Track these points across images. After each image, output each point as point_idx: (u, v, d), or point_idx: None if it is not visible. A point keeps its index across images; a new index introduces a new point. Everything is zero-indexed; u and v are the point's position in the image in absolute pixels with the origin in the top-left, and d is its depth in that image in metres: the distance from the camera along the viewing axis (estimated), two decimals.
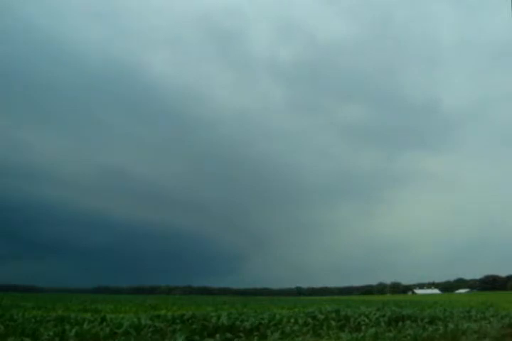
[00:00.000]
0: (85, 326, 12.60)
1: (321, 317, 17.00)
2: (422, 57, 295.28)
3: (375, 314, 17.88)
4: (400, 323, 15.25)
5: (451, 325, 13.56)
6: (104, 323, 14.03)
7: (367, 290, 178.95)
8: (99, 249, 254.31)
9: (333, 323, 15.09)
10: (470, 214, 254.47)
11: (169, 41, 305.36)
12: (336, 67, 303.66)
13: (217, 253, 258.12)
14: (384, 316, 17.18)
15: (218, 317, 15.54)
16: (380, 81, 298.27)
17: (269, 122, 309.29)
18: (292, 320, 15.66)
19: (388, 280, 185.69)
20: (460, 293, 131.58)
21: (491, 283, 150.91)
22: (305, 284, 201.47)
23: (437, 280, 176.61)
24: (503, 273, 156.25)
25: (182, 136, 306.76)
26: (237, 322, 14.48)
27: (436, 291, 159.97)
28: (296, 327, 13.97)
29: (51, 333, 11.33)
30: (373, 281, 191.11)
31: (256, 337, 12.27)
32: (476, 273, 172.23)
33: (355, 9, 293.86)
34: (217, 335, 11.91)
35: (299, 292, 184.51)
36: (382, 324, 15.20)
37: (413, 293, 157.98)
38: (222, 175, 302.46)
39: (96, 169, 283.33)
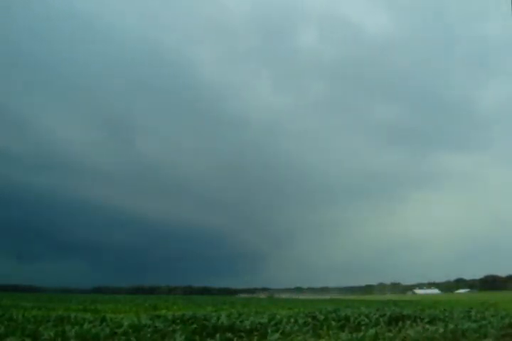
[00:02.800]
0: (85, 326, 12.59)
1: (320, 317, 17.01)
2: (466, 57, 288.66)
3: (375, 314, 17.89)
4: (400, 323, 15.25)
5: (451, 325, 13.56)
6: (104, 323, 14.04)
7: (367, 290, 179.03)
8: (103, 248, 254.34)
9: (333, 323, 15.09)
10: (482, 215, 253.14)
11: (212, 35, 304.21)
12: (378, 64, 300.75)
13: (217, 253, 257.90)
14: (384, 316, 17.19)
15: (218, 317, 15.55)
16: (420, 80, 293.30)
17: (300, 121, 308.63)
18: (292, 320, 15.67)
19: (388, 280, 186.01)
20: (460, 293, 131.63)
21: (491, 283, 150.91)
22: (305, 284, 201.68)
23: (437, 280, 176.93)
24: (503, 273, 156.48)
25: (214, 135, 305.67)
26: (237, 322, 14.49)
27: (436, 291, 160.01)
28: (296, 327, 13.97)
29: (51, 333, 11.33)
30: (373, 281, 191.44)
31: (256, 337, 12.27)
32: (476, 273, 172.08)
33: (404, 6, 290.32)
34: (218, 335, 11.92)
35: (298, 292, 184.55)
36: (382, 324, 15.20)
37: (413, 293, 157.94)
38: (242, 174, 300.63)
39: (127, 166, 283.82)
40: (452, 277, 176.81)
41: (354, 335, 12.34)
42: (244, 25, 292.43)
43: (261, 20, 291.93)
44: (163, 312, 24.01)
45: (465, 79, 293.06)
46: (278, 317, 16.77)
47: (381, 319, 16.37)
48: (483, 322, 15.06)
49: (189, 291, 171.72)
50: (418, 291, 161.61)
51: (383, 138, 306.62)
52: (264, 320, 15.06)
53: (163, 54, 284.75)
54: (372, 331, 12.67)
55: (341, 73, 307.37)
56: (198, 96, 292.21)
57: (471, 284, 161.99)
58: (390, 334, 12.50)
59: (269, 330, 13.23)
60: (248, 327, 13.82)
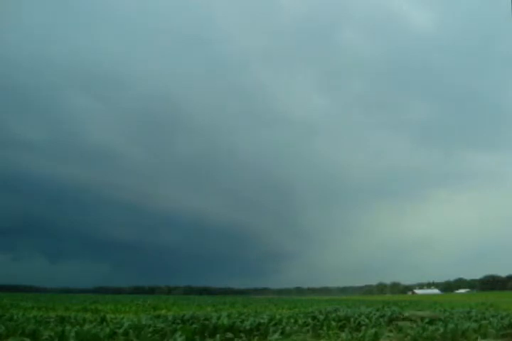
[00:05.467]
0: (85, 326, 12.59)
1: (321, 317, 17.01)
2: (504, 55, 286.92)
3: (375, 314, 17.89)
4: (400, 323, 15.25)
5: (451, 325, 13.56)
6: (105, 323, 14.04)
7: (367, 290, 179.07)
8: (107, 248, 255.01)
9: (333, 323, 15.09)
10: (489, 215, 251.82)
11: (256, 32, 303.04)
12: (419, 63, 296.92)
13: (218, 253, 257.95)
14: (384, 316, 17.19)
15: (218, 317, 15.53)
16: (458, 79, 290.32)
17: (336, 120, 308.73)
18: (292, 320, 15.67)
19: (388, 280, 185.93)
20: (460, 293, 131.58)
21: (491, 283, 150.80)
22: (305, 284, 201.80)
23: (437, 280, 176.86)
24: (503, 273, 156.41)
25: (249, 134, 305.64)
26: (237, 322, 14.48)
27: (436, 291, 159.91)
28: (296, 327, 13.97)
29: (51, 333, 11.33)
30: (373, 281, 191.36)
31: (256, 337, 12.28)
32: (476, 273, 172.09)
33: (448, 5, 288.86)
34: (218, 335, 11.92)
35: (298, 292, 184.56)
36: (382, 324, 15.20)
37: (413, 293, 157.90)
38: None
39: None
40: (452, 277, 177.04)
41: (354, 335, 12.35)
42: (290, 23, 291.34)
43: (306, 18, 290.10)
44: (163, 312, 24.02)
45: (502, 78, 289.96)
46: (278, 317, 16.76)
47: (381, 319, 16.37)
48: (483, 322, 15.05)
49: (189, 291, 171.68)
50: (418, 291, 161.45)
51: (416, 138, 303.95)
52: (264, 320, 15.05)
53: (206, 52, 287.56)
54: (372, 331, 12.68)
55: (381, 71, 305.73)
56: (238, 95, 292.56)
57: (471, 284, 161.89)
58: (390, 334, 12.51)
59: (269, 330, 13.24)
60: (248, 327, 13.82)
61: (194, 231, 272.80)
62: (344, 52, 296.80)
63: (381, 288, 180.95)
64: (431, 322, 15.79)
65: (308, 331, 13.80)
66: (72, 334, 11.21)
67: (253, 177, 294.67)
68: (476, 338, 12.24)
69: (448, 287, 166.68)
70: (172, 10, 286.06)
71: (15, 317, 16.06)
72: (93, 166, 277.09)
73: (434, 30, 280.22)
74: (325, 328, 14.31)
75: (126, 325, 12.91)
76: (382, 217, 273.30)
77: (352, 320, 16.03)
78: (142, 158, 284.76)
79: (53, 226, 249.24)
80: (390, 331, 13.46)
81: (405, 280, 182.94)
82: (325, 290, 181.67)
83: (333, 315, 17.77)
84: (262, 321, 14.81)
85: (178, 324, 14.16)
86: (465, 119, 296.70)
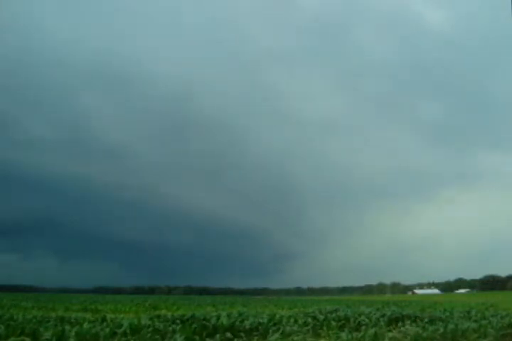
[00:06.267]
0: (85, 326, 12.58)
1: (320, 317, 17.02)
2: None
3: (375, 314, 17.89)
4: (400, 323, 15.26)
5: (451, 325, 13.56)
6: (104, 323, 14.04)
7: (367, 290, 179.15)
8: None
9: (333, 323, 15.10)
10: (490, 215, 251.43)
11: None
12: (432, 61, 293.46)
13: (217, 253, 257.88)
14: (384, 316, 17.19)
15: (218, 318, 15.54)
16: (471, 78, 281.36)
17: (340, 120, 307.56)
18: (292, 320, 15.68)
19: (388, 280, 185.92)
20: (460, 293, 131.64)
21: (491, 283, 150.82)
22: (305, 284, 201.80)
23: (437, 280, 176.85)
24: (503, 273, 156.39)
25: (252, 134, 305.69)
26: (237, 322, 14.49)
27: (436, 291, 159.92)
28: (296, 327, 13.97)
29: (51, 333, 11.33)
30: (373, 281, 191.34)
31: (256, 337, 12.29)
32: (476, 273, 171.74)
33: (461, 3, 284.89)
34: (217, 335, 11.92)
35: (298, 292, 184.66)
36: (382, 324, 15.20)
37: (413, 293, 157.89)
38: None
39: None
40: (452, 277, 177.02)
41: (354, 335, 12.35)
42: (303, 23, 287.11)
43: (320, 18, 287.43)
44: (163, 312, 24.02)
45: None
46: (278, 317, 16.77)
47: (381, 319, 16.37)
48: (483, 322, 15.06)
49: (189, 291, 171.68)
50: (418, 291, 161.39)
51: (419, 137, 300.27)
52: (264, 320, 15.06)
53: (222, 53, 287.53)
54: (372, 331, 12.67)
55: (392, 71, 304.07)
56: (249, 95, 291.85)
57: (471, 284, 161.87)
58: (390, 334, 12.51)
59: (269, 330, 13.24)
60: (248, 327, 13.83)
61: (195, 231, 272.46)
62: (356, 52, 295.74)
63: (381, 288, 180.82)
64: (431, 322, 15.80)
65: (308, 331, 13.80)
66: (72, 334, 11.22)
67: (254, 177, 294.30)
68: (476, 338, 12.24)
69: (448, 287, 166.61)
70: (188, 9, 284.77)
71: (15, 317, 16.05)
72: (96, 165, 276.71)
73: (446, 28, 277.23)
74: (325, 328, 14.33)
75: (126, 325, 12.92)
76: (382, 217, 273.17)
77: (352, 320, 16.04)
78: (147, 157, 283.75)
79: (53, 225, 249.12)
80: (390, 331, 13.46)
81: (405, 280, 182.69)
82: (325, 290, 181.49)
83: (333, 315, 17.79)
84: (261, 321, 14.83)
85: (178, 324, 14.17)
86: (465, 119, 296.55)
